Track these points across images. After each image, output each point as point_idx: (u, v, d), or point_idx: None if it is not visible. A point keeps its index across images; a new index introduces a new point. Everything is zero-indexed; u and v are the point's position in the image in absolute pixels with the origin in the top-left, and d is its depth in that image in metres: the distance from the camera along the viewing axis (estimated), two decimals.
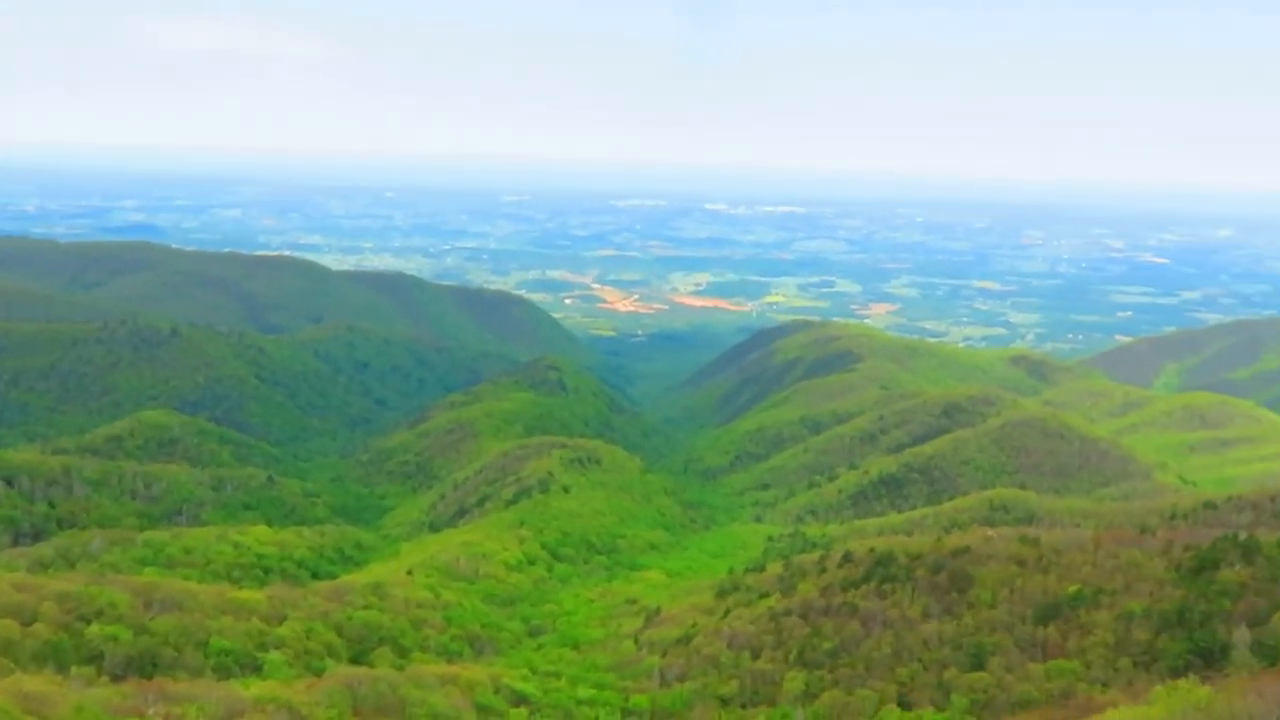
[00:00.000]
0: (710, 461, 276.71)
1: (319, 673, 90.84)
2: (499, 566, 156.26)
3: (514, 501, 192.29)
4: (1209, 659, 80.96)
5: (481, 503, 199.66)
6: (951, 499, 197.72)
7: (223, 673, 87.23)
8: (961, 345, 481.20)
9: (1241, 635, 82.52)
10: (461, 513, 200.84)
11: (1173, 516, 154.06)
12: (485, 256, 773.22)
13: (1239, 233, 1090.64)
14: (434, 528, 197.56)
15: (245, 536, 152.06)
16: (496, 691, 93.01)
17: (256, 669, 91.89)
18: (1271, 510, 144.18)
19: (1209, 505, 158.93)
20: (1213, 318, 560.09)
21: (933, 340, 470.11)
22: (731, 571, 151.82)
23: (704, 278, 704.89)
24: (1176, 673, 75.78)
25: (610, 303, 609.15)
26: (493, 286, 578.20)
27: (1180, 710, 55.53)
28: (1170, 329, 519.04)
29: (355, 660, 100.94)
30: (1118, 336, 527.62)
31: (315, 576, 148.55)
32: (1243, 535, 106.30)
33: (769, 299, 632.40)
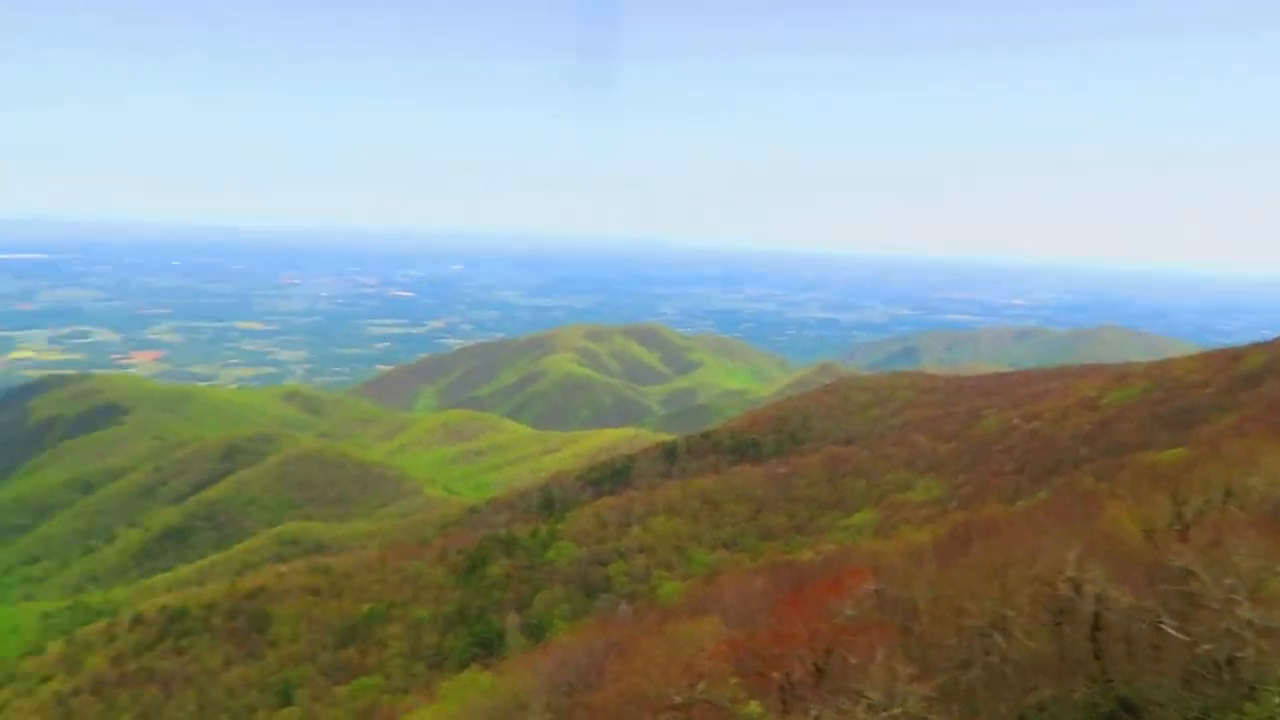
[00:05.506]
0: None
1: None
2: None
3: None
4: (489, 647, 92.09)
5: None
6: (241, 541, 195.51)
7: None
8: (234, 387, 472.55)
9: (512, 621, 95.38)
10: None
11: (444, 525, 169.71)
12: None
13: (468, 267, 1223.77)
14: None
15: None
16: None
17: None
18: (522, 507, 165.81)
19: (473, 510, 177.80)
20: (456, 343, 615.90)
21: (204, 384, 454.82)
22: (3, 661, 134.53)
23: None
24: (463, 666, 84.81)
25: None
26: None
27: (468, 699, 62.40)
28: (423, 355, 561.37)
29: None
30: (379, 366, 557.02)
31: None
32: (503, 533, 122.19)
33: (15, 355, 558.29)
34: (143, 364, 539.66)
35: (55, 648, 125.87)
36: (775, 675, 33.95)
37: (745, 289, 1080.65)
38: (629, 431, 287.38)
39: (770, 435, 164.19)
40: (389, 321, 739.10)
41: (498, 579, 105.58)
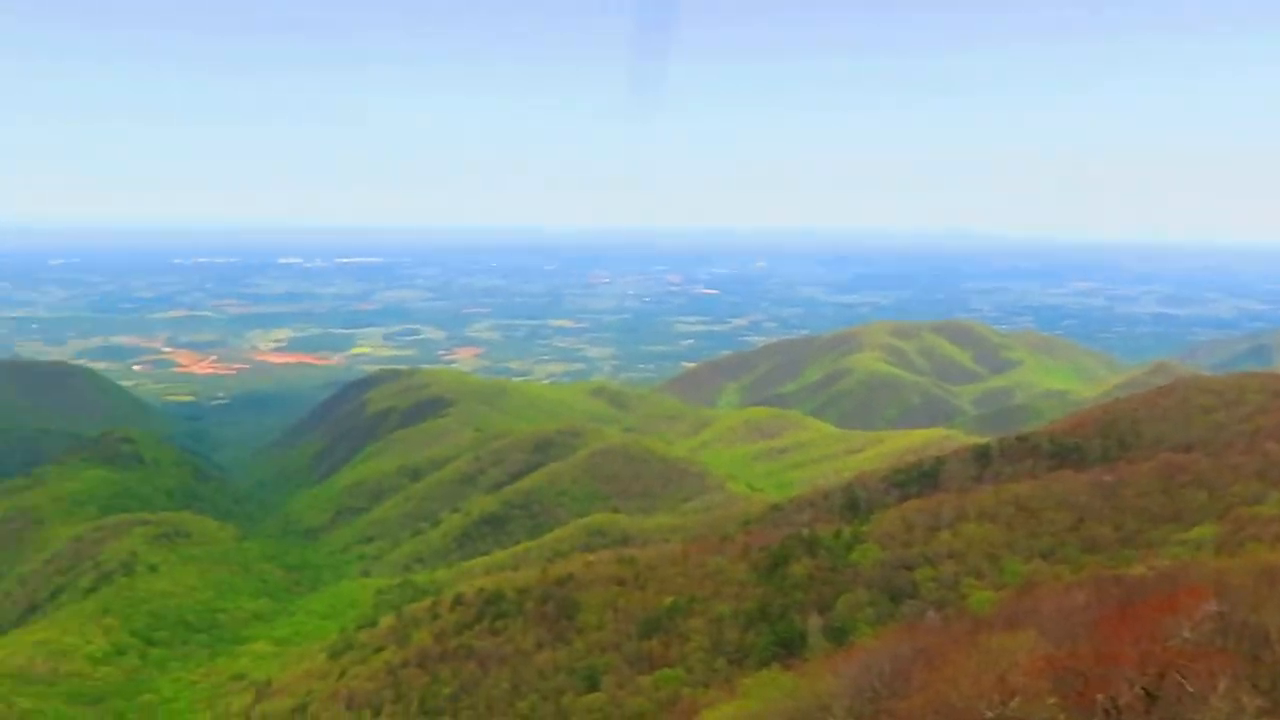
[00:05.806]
0: (310, 521, 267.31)
1: None
2: (83, 662, 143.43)
3: (94, 589, 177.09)
4: (790, 647, 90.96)
5: (55, 595, 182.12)
6: (551, 530, 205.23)
7: None
8: (546, 382, 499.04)
9: (814, 622, 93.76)
10: (32, 609, 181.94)
11: (746, 522, 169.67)
12: (35, 326, 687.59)
13: (772, 263, 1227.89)
14: None
15: None
16: None
17: None
18: (825, 506, 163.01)
19: (775, 508, 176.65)
20: (759, 340, 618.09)
21: (519, 379, 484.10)
22: (343, 631, 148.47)
23: (285, 333, 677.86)
24: (764, 664, 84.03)
25: (186, 366, 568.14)
26: (47, 358, 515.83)
27: (769, 698, 61.60)
28: (726, 352, 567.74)
29: None
30: (683, 363, 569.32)
31: None
32: (805, 532, 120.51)
33: (355, 351, 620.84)
34: (464, 360, 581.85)
35: (386, 621, 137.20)
36: (1099, 697, 31.31)
37: (1068, 283, 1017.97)
38: (938, 432, 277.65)
39: (1095, 439, 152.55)
40: (694, 319, 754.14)
41: (799, 579, 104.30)
